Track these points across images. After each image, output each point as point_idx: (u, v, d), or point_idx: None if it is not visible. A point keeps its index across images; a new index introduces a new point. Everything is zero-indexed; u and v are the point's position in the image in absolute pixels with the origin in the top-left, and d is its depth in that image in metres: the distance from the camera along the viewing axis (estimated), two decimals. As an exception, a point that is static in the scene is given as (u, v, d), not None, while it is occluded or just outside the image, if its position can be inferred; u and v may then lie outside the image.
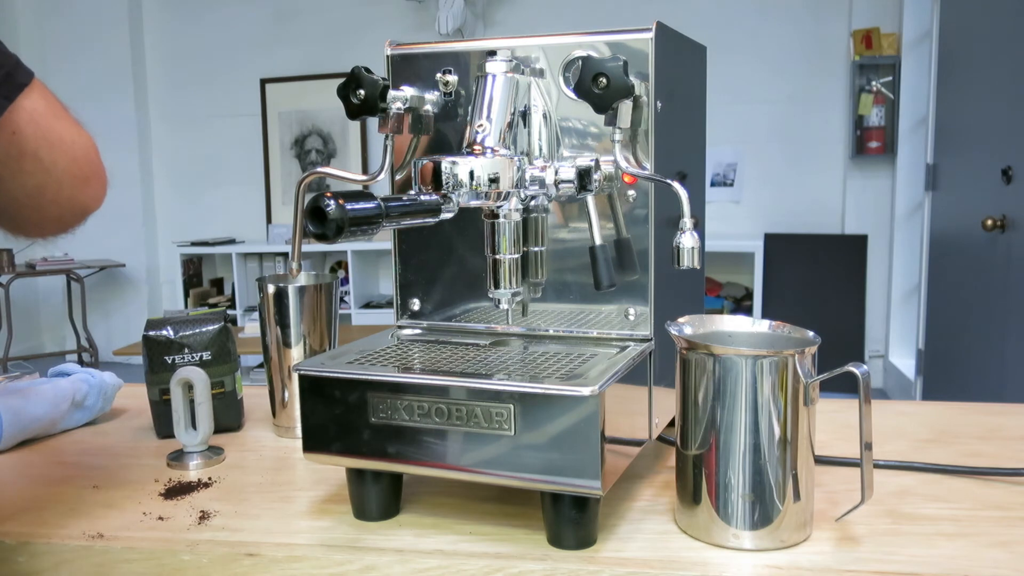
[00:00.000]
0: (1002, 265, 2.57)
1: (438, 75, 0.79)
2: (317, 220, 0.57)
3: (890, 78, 3.80)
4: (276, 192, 4.56)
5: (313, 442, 0.72)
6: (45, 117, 0.62)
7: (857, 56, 3.81)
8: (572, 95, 0.75)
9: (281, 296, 0.92)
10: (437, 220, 0.68)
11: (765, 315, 3.76)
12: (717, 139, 3.86)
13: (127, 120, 4.55)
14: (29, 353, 4.77)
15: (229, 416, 0.96)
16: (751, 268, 3.91)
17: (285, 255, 4.40)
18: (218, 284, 4.79)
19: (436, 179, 0.68)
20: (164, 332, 0.93)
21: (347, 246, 4.23)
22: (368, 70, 0.74)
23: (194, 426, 0.87)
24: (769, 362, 0.64)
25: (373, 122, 0.77)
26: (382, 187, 0.74)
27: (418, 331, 0.84)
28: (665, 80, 0.76)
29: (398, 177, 0.83)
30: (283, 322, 0.92)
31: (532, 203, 0.77)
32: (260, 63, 4.46)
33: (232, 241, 4.52)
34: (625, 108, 0.71)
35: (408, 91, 0.78)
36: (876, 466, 0.80)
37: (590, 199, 0.74)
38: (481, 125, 0.72)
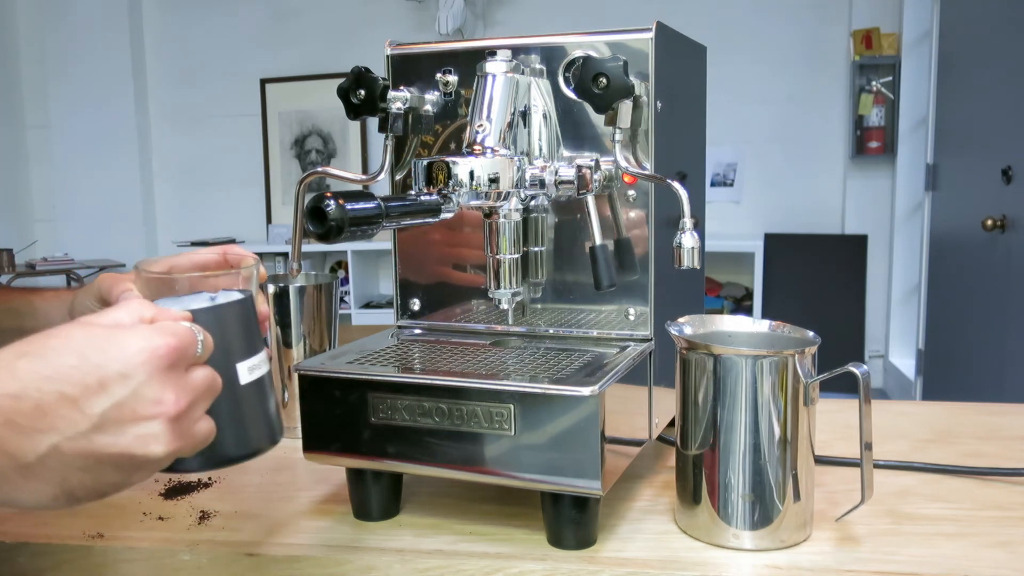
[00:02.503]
0: (1002, 265, 2.57)
1: (438, 75, 0.79)
2: (317, 220, 0.57)
3: (890, 78, 3.79)
4: (276, 192, 4.55)
5: (313, 442, 0.71)
6: None
7: (857, 56, 3.81)
8: (572, 95, 0.75)
9: (281, 296, 0.92)
10: (437, 220, 0.68)
11: (765, 315, 3.76)
12: (717, 139, 3.85)
13: (127, 120, 4.54)
14: (29, 353, 4.76)
15: (229, 416, 0.96)
16: (751, 268, 3.91)
17: (285, 255, 4.40)
18: (218, 284, 4.78)
19: (436, 179, 0.68)
20: (164, 332, 0.93)
21: (347, 246, 4.23)
22: (368, 70, 0.74)
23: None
24: (769, 362, 0.64)
25: (373, 122, 0.77)
26: (382, 187, 0.74)
27: (418, 331, 0.84)
28: (665, 80, 0.76)
29: (398, 177, 0.82)
30: (283, 322, 0.92)
31: (532, 203, 0.77)
32: (260, 63, 4.46)
33: (232, 241, 4.51)
34: (625, 108, 0.71)
35: (408, 91, 0.78)
36: (876, 466, 0.80)
37: (590, 199, 0.74)
38: (481, 125, 0.72)
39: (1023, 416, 0.98)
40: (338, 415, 0.70)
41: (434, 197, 0.67)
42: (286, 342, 0.93)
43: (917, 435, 0.92)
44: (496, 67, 0.74)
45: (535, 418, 0.64)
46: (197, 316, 0.52)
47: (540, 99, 0.76)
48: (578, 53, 0.75)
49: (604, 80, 0.68)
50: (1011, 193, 2.51)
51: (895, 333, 3.90)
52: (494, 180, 0.69)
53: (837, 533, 0.68)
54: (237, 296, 0.55)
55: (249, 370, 0.54)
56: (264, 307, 0.67)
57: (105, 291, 0.68)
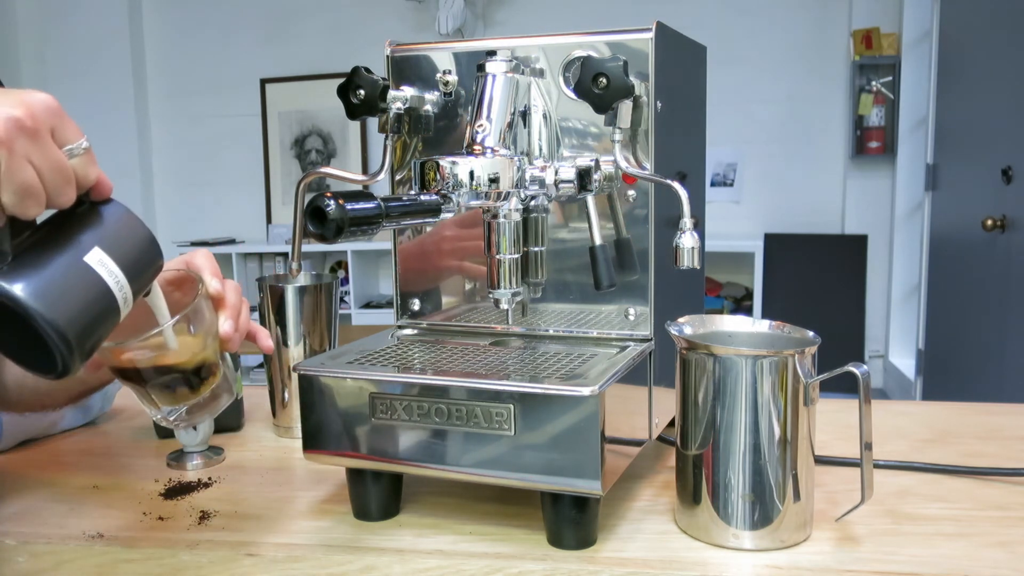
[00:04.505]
0: (1002, 265, 2.57)
1: (438, 75, 0.79)
2: (317, 220, 0.57)
3: (890, 78, 3.79)
4: (276, 192, 4.55)
5: (313, 442, 0.71)
6: None
7: (857, 56, 3.81)
8: (572, 95, 0.75)
9: (281, 296, 0.92)
10: (437, 220, 0.68)
11: (765, 315, 3.76)
12: (717, 139, 3.85)
13: (127, 120, 4.54)
14: (29, 353, 4.75)
15: (229, 416, 0.96)
16: (751, 268, 3.91)
17: (285, 255, 4.40)
18: (218, 284, 4.77)
19: (436, 179, 0.68)
20: (164, 332, 0.93)
21: (347, 246, 4.23)
22: (368, 70, 0.74)
23: (194, 426, 0.87)
24: (769, 362, 0.64)
25: (373, 122, 0.77)
26: (382, 187, 0.74)
27: (418, 331, 0.84)
28: (665, 80, 0.76)
29: (398, 177, 0.82)
30: (283, 322, 0.92)
31: (532, 203, 0.77)
32: (260, 63, 4.46)
33: (232, 241, 4.51)
34: (625, 108, 0.71)
35: (408, 91, 0.78)
36: (876, 466, 0.80)
37: (590, 199, 0.74)
38: (481, 125, 0.72)
39: (1023, 416, 0.98)
40: (338, 415, 0.70)
41: (434, 197, 0.67)
42: (286, 342, 0.93)
43: (917, 435, 0.92)
44: (496, 67, 0.74)
45: (535, 418, 0.64)
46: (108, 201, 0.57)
47: (540, 99, 0.76)
48: (578, 53, 0.75)
49: (604, 80, 0.68)
50: (1011, 193, 2.51)
51: (895, 333, 3.90)
52: (494, 180, 0.69)
53: (837, 533, 0.68)
54: (137, 219, 0.58)
55: (101, 263, 0.54)
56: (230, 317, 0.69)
57: None
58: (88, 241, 0.55)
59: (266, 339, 0.77)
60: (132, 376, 0.66)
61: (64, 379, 0.54)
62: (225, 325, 0.69)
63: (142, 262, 0.58)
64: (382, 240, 3.56)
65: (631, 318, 0.77)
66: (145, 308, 0.65)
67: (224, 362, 0.70)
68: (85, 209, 0.56)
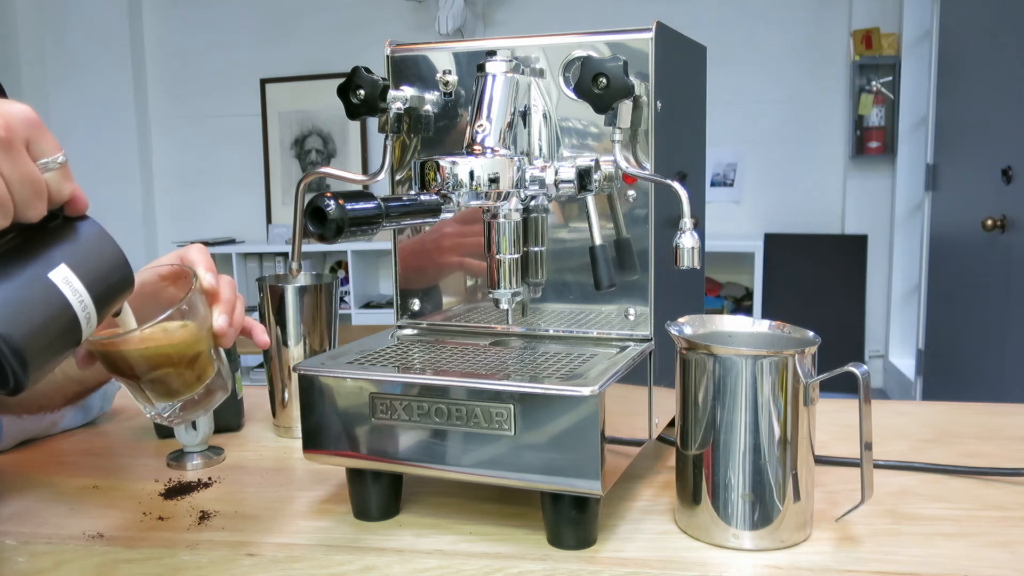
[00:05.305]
0: (1002, 265, 2.57)
1: (438, 75, 0.79)
2: (317, 220, 0.57)
3: (890, 78, 3.80)
4: (276, 192, 4.55)
5: (313, 442, 0.71)
6: None
7: (857, 56, 3.81)
8: (572, 95, 0.75)
9: (281, 296, 0.92)
10: (437, 220, 0.68)
11: (765, 315, 3.76)
12: (717, 139, 3.85)
13: (127, 120, 4.54)
14: (29, 353, 4.74)
15: (229, 416, 0.96)
16: (751, 268, 3.91)
17: (285, 255, 4.40)
18: (218, 284, 4.76)
19: (436, 179, 0.68)
20: (164, 332, 0.93)
21: (347, 246, 4.23)
22: (368, 70, 0.74)
23: (194, 426, 0.87)
24: (769, 362, 0.64)
25: (373, 122, 0.77)
26: (382, 187, 0.74)
27: (418, 331, 0.84)
28: (665, 80, 0.76)
29: (398, 177, 0.83)
30: (283, 322, 0.92)
31: (532, 203, 0.77)
32: (260, 63, 4.46)
33: (232, 241, 4.51)
34: (625, 108, 0.71)
35: (408, 91, 0.78)
36: (876, 466, 0.80)
37: (590, 199, 0.74)
38: (481, 125, 0.72)
39: (1023, 416, 0.98)
40: (338, 415, 0.70)
41: (434, 197, 0.67)
42: (286, 342, 0.93)
43: (917, 435, 0.92)
44: (496, 67, 0.74)
45: (535, 418, 0.64)
46: (82, 223, 0.56)
47: (540, 99, 0.76)
48: (578, 53, 0.75)
49: (604, 80, 0.68)
50: (1011, 193, 2.51)
51: (895, 333, 3.90)
52: (494, 180, 0.69)
53: (837, 533, 0.68)
54: (110, 238, 0.57)
55: (65, 280, 0.53)
56: (222, 316, 0.69)
57: None
58: (55, 257, 0.53)
59: (261, 334, 0.77)
60: (125, 371, 0.66)
61: (17, 395, 0.53)
62: (219, 320, 0.69)
63: (110, 282, 0.57)
64: (382, 240, 3.56)
65: (631, 318, 0.77)
66: (145, 301, 0.65)
67: (219, 358, 0.70)
68: (57, 224, 0.55)
